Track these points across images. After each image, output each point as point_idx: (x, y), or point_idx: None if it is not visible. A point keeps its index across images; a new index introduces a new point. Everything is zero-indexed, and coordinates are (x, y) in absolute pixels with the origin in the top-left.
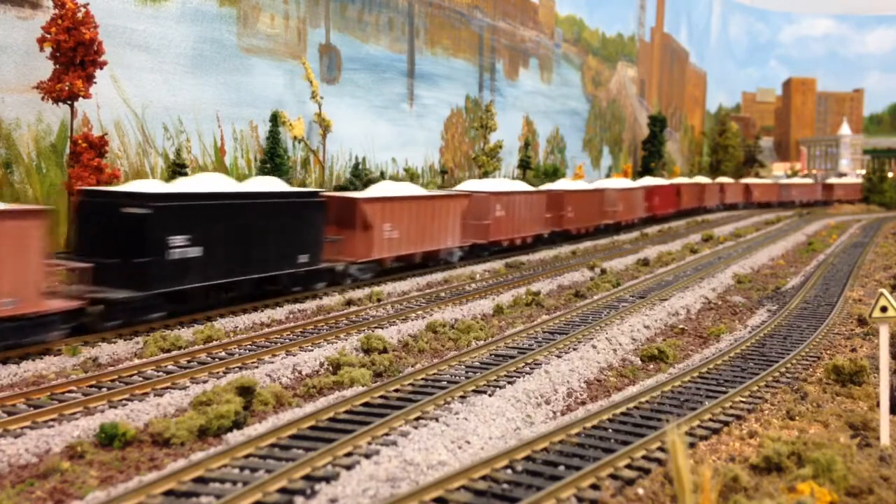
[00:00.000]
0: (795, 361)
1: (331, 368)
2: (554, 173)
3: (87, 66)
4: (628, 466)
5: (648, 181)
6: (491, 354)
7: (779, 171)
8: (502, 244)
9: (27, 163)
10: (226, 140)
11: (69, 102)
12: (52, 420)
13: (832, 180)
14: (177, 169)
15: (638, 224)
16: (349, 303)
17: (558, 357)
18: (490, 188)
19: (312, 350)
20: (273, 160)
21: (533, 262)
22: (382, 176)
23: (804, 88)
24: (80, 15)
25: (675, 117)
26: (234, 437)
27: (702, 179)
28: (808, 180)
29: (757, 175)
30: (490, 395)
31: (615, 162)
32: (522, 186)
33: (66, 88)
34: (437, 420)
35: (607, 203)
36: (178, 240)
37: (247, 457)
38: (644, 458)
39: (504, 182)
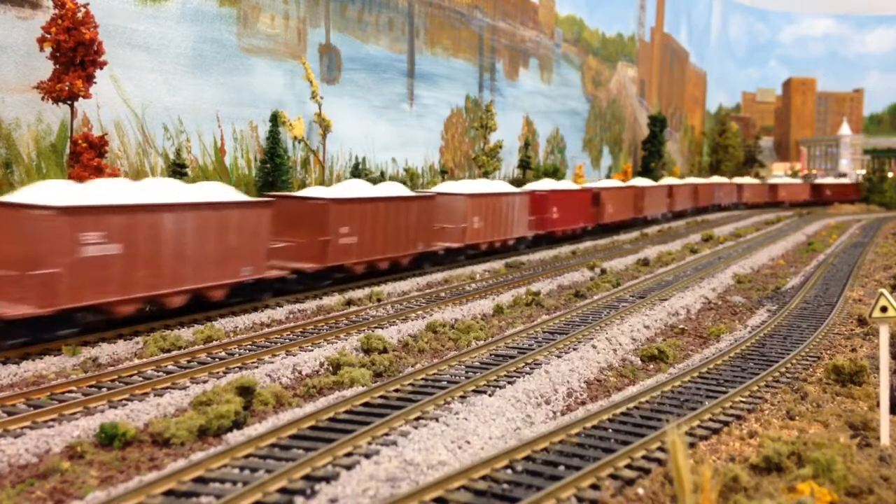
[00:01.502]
0: (795, 361)
1: (331, 368)
2: (554, 173)
3: (87, 66)
4: (628, 466)
5: (546, 185)
6: (491, 354)
7: (779, 171)
8: (111, 312)
9: (27, 163)
10: (226, 140)
11: (69, 102)
12: (52, 420)
13: (737, 180)
14: (177, 169)
15: (520, 248)
16: (349, 303)
17: (558, 357)
18: (85, 197)
19: (312, 350)
20: (273, 160)
21: (533, 262)
22: (382, 176)
23: (804, 88)
24: (80, 15)
25: (675, 117)
26: (234, 437)
27: (641, 182)
28: (722, 179)
29: (757, 175)
30: (490, 395)
31: (615, 162)
32: (219, 193)
33: (66, 88)
34: (437, 420)
35: (445, 217)
36: None
37: (247, 457)
38: (644, 458)
39: (168, 185)
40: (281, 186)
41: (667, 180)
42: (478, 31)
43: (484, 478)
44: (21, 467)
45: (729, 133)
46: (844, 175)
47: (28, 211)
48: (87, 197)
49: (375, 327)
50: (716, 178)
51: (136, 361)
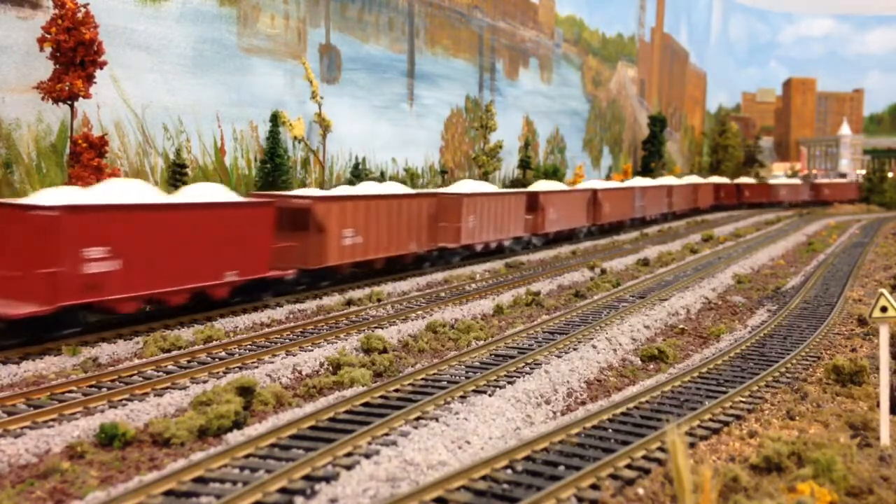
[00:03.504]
0: (795, 361)
1: (331, 368)
2: (554, 173)
3: (87, 66)
4: (628, 466)
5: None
6: (491, 354)
7: (779, 171)
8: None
9: (27, 163)
10: (226, 140)
11: (69, 102)
12: (52, 420)
13: (667, 181)
14: (177, 169)
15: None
16: (349, 303)
17: (558, 357)
18: None
19: (312, 350)
20: (273, 160)
21: (533, 263)
22: (382, 176)
23: (804, 88)
24: (80, 15)
25: (675, 117)
26: (234, 437)
27: (475, 187)
28: (650, 182)
29: (757, 175)
30: (490, 395)
31: (615, 162)
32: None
33: (66, 88)
34: (437, 420)
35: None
36: None
37: (247, 457)
38: (644, 458)
39: None
40: (281, 186)
41: (541, 185)
42: (478, 31)
43: (484, 478)
44: (21, 467)
45: (729, 133)
46: (844, 175)
47: None
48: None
49: (375, 327)
50: (639, 181)
51: (136, 361)
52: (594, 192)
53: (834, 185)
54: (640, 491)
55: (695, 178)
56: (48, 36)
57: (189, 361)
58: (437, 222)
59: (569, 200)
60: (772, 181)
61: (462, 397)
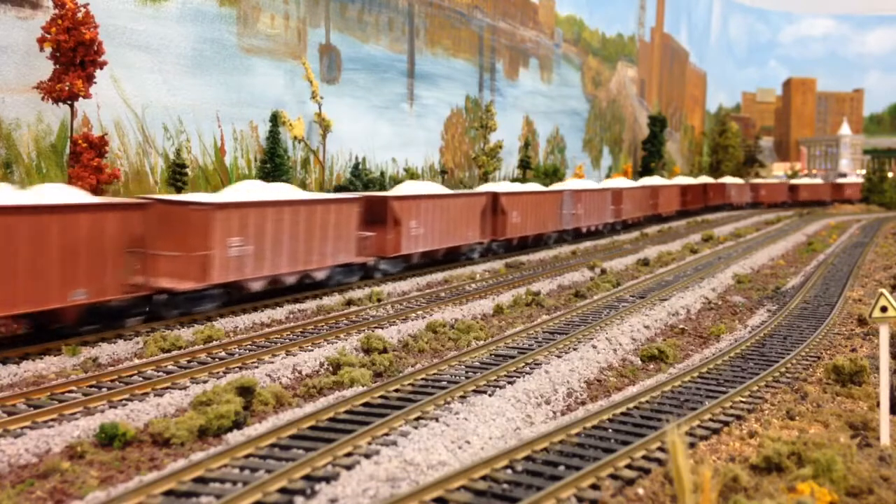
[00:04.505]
0: (795, 361)
1: (331, 368)
2: (554, 173)
3: (87, 66)
4: (628, 466)
5: None
6: (491, 354)
7: (779, 171)
8: None
9: (27, 163)
10: (226, 140)
11: (69, 102)
12: (52, 420)
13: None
14: (177, 169)
15: None
16: (349, 303)
17: (558, 357)
18: None
19: (312, 350)
20: (273, 160)
21: (533, 263)
22: (382, 176)
23: (804, 88)
24: (80, 15)
25: (675, 117)
26: (234, 437)
27: (237, 194)
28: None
29: (757, 175)
30: (490, 395)
31: (615, 162)
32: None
33: (66, 88)
34: (437, 420)
35: None
36: None
37: (247, 457)
38: (644, 458)
39: None
40: None
41: (405, 186)
42: (478, 31)
43: (484, 478)
44: (21, 467)
45: (729, 133)
46: (845, 175)
47: None
48: None
49: (375, 327)
50: (573, 183)
51: (136, 361)
52: (494, 196)
53: (769, 186)
54: (640, 491)
55: (656, 180)
56: (48, 36)
57: (189, 361)
58: (152, 250)
59: (447, 208)
60: (722, 180)
61: (462, 397)
